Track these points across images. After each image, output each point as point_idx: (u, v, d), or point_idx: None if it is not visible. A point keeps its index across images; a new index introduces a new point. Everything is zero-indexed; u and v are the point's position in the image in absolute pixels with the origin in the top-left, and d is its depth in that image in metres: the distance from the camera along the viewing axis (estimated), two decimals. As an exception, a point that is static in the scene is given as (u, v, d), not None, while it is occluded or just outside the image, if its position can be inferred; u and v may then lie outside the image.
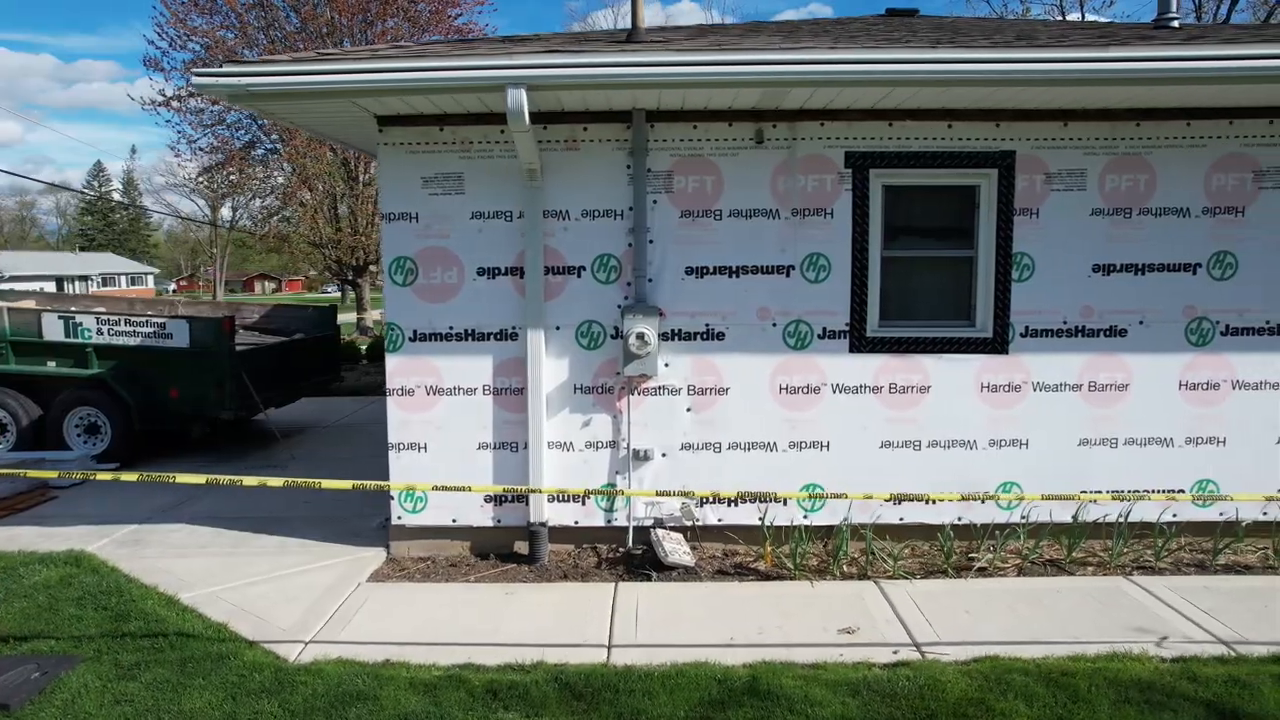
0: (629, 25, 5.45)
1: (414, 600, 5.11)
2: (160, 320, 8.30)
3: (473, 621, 4.78)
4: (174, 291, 67.47)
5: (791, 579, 5.33)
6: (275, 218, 26.04)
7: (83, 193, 71.48)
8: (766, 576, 5.39)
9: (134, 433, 8.25)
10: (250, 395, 8.30)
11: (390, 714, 3.75)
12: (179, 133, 23.52)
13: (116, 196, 73.76)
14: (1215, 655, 4.24)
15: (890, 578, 5.31)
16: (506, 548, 5.82)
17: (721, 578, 5.38)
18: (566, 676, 4.04)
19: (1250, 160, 5.53)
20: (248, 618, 4.80)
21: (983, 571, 5.40)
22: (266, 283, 78.21)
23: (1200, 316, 5.66)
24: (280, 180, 24.22)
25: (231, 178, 24.86)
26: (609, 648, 4.43)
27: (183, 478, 4.10)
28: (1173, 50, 4.72)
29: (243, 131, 22.79)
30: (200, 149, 23.09)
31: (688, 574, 5.41)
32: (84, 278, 54.74)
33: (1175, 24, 6.37)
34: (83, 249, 67.15)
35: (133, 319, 8.30)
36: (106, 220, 76.48)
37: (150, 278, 66.46)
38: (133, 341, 8.24)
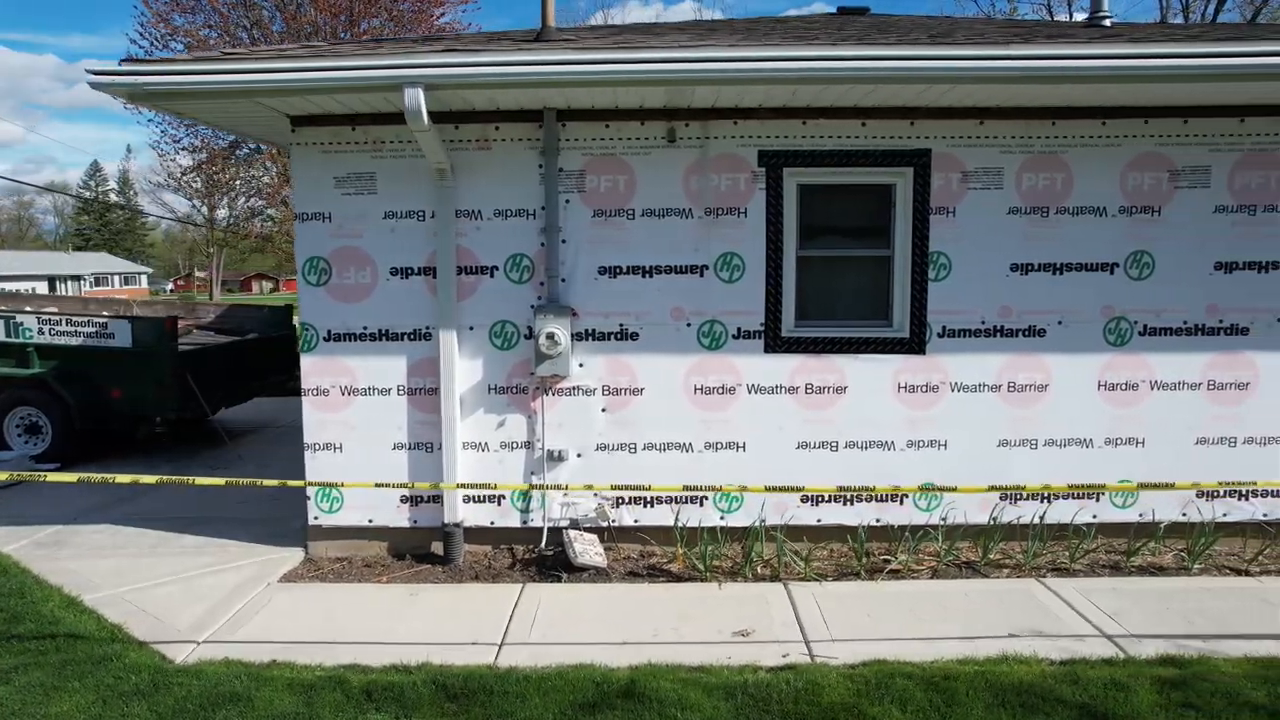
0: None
1: (319, 600, 5.09)
2: (102, 320, 8.29)
3: (371, 622, 4.76)
4: (171, 291, 67.65)
5: (702, 580, 5.30)
6: (259, 217, 26.01)
7: (77, 194, 71.63)
8: (678, 578, 5.36)
9: (75, 432, 8.24)
10: (194, 395, 8.29)
11: (260, 715, 3.73)
12: (162, 132, 23.44)
13: (114, 197, 73.90)
14: (1104, 657, 4.21)
15: (801, 580, 5.27)
16: (424, 548, 5.80)
17: (632, 579, 5.36)
18: (446, 678, 4.02)
19: (1166, 159, 5.48)
20: (146, 619, 4.78)
21: (895, 574, 5.37)
22: (264, 282, 78.27)
23: (1118, 316, 5.61)
24: (267, 180, 24.17)
25: (218, 177, 24.82)
26: (499, 649, 4.40)
27: (53, 476, 4.08)
28: (1074, 49, 4.67)
29: (226, 131, 22.74)
30: (183, 148, 23.09)
31: (599, 575, 5.38)
32: (77, 277, 54.91)
33: (1107, 22, 6.35)
34: (79, 249, 67.34)
35: (75, 319, 8.29)
36: (103, 220, 76.72)
37: (144, 277, 66.62)
38: (74, 341, 8.23)
